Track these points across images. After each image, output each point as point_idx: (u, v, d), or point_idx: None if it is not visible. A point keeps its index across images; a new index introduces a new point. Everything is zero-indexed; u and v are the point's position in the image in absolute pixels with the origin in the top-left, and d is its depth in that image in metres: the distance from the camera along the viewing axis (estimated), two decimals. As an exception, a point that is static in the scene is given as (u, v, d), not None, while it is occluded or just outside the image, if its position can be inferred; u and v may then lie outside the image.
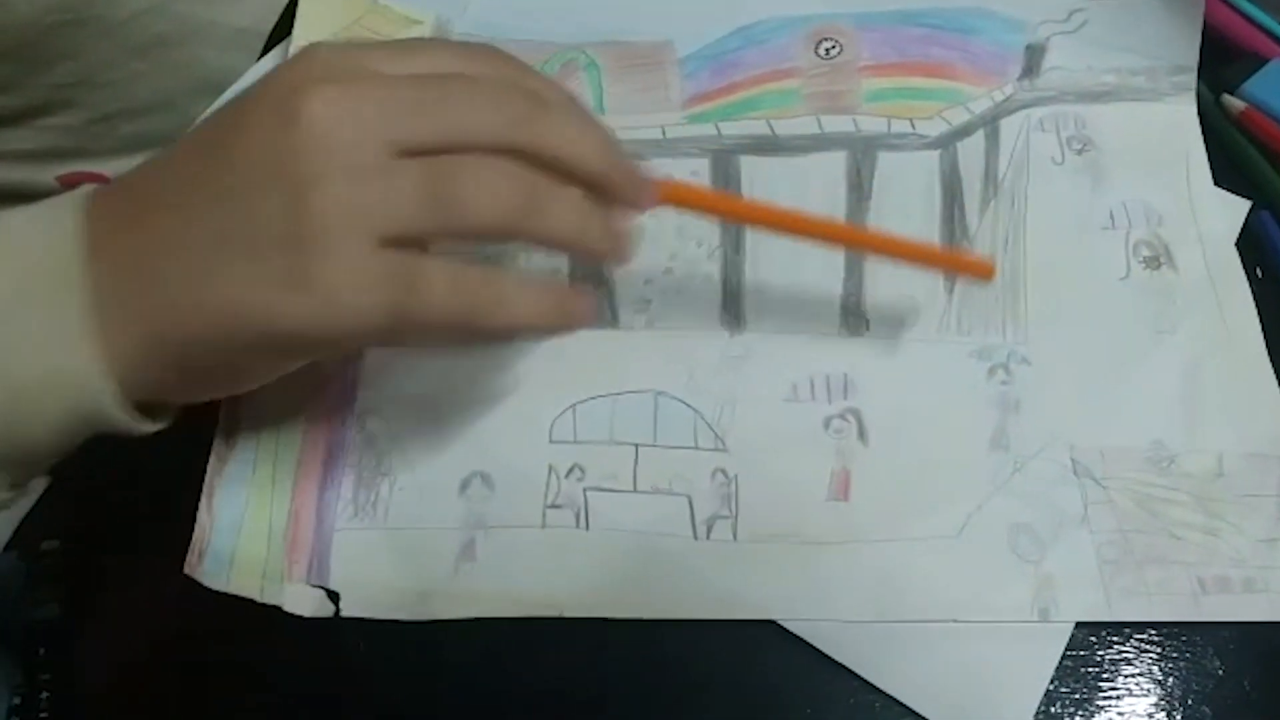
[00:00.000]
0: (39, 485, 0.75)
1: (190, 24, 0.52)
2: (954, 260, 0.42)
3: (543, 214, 0.31)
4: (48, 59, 0.49)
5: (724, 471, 0.39)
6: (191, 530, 0.38)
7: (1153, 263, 0.43)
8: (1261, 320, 0.41)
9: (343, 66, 0.30)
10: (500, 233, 0.31)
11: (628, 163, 0.33)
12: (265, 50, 0.49)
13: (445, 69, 0.31)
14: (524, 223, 0.31)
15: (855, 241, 0.42)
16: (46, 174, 0.55)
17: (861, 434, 0.39)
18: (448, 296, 0.30)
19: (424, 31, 0.48)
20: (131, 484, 0.70)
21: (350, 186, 0.28)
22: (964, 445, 0.39)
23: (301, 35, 0.47)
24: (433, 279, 0.30)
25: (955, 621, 0.36)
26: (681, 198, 0.36)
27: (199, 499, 0.39)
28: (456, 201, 0.29)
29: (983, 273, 0.41)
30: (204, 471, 0.39)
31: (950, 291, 0.42)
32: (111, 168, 0.56)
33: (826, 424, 0.40)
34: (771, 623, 0.37)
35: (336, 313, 0.29)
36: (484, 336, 0.38)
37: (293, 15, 0.48)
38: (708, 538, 0.38)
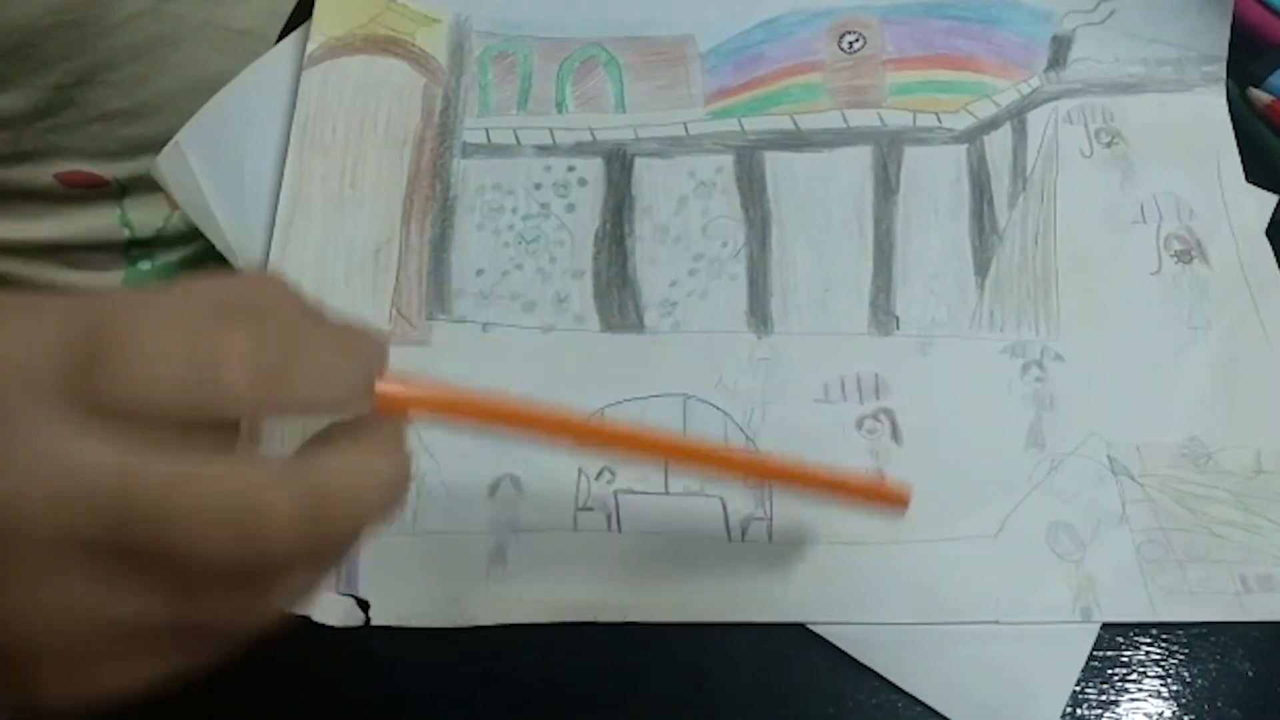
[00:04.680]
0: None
1: (186, 25, 0.51)
2: (868, 490, 0.35)
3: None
4: (46, 60, 0.48)
5: None
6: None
7: (1185, 257, 0.42)
8: (1291, 315, 0.41)
9: None
10: None
11: None
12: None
13: None
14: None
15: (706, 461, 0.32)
16: (45, 172, 0.54)
17: (895, 434, 0.39)
18: None
19: (442, 29, 0.47)
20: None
21: None
22: (999, 443, 0.39)
23: (319, 31, 0.46)
24: None
25: (997, 623, 0.35)
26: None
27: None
28: None
29: (898, 502, 0.35)
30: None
31: (981, 287, 0.42)
32: (112, 170, 0.55)
33: (859, 424, 0.39)
34: (795, 623, 0.36)
35: None
36: None
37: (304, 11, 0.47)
38: (743, 539, 0.37)
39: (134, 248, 0.60)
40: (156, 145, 0.45)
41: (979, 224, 0.43)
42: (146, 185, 0.57)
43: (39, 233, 0.57)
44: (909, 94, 0.45)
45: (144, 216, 0.59)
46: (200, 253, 0.62)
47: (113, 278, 0.61)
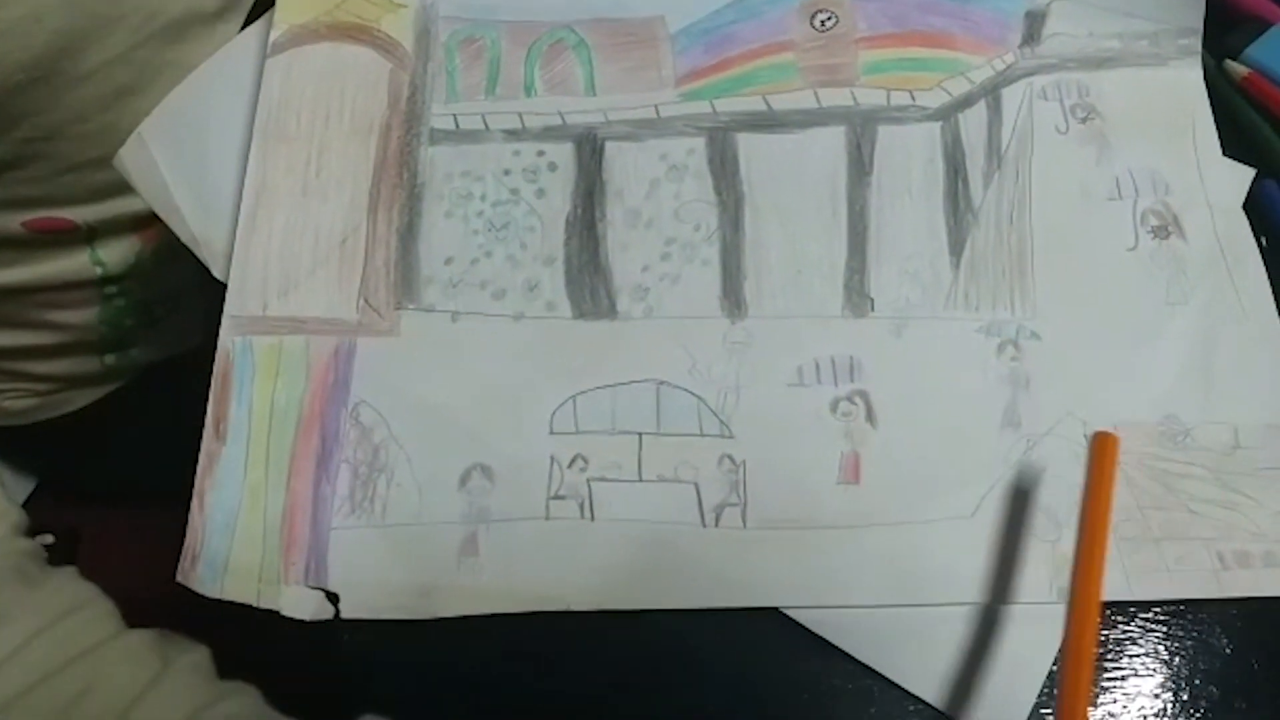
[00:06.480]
0: (29, 481, 0.73)
1: (153, 68, 0.51)
2: None
3: None
4: (15, 116, 0.47)
5: (731, 458, 0.38)
6: (180, 520, 0.37)
7: (1161, 232, 0.42)
8: (1270, 290, 0.41)
9: None
10: None
11: None
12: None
13: None
14: None
15: None
16: (13, 220, 0.53)
17: (870, 416, 0.39)
18: None
19: (408, 14, 0.46)
20: (122, 478, 0.69)
21: None
22: (975, 424, 0.38)
23: (282, 19, 0.45)
24: None
25: (973, 604, 0.35)
26: None
27: (189, 492, 0.37)
28: None
29: None
30: (194, 466, 0.38)
31: (956, 267, 0.41)
32: (81, 214, 0.55)
33: (834, 407, 0.39)
34: (771, 608, 0.36)
35: None
36: None
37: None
38: (716, 525, 0.37)
39: (107, 284, 0.59)
40: (124, 189, 0.44)
41: (954, 203, 0.42)
42: (116, 227, 0.56)
43: (9, 278, 0.56)
44: (882, 72, 0.45)
45: (115, 254, 0.58)
46: (175, 287, 0.61)
47: (88, 314, 0.60)
